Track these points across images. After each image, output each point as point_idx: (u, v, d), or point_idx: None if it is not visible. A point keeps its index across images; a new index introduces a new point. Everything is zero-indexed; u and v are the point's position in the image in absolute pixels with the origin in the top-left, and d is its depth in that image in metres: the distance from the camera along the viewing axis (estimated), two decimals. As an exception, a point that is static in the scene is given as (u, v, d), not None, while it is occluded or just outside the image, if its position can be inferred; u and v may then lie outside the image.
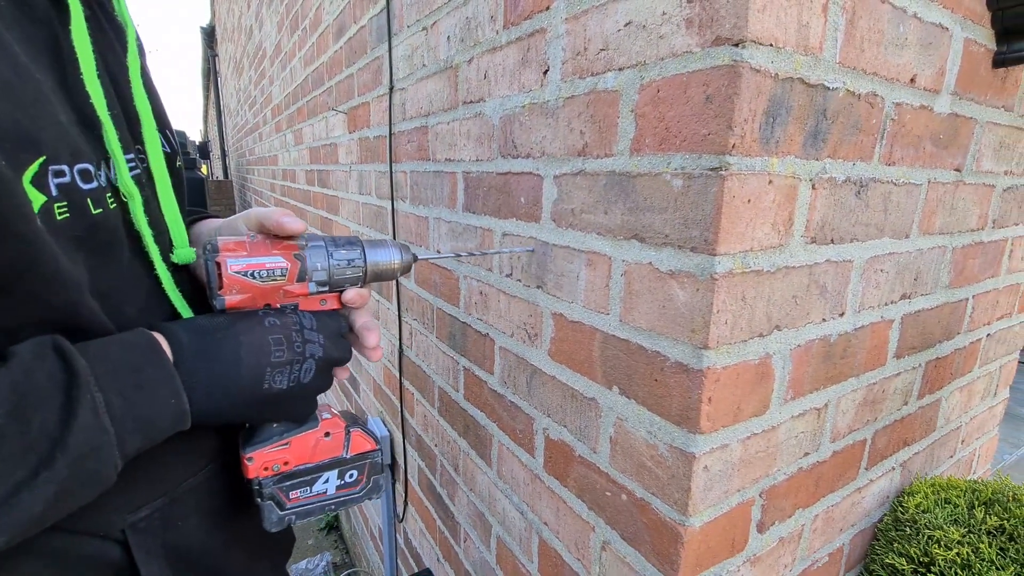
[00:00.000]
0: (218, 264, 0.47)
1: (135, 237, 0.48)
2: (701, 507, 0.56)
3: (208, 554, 0.55)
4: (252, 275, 0.48)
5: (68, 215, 0.40)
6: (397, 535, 1.61)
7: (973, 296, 0.88)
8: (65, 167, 0.40)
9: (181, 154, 0.56)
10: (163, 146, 0.51)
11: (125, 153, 0.45)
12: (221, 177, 10.31)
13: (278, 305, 0.52)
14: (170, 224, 0.50)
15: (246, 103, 4.64)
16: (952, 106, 0.68)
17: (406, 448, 1.41)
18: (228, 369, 0.46)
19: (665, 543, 0.58)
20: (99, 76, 0.43)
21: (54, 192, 0.39)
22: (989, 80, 0.73)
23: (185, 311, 0.51)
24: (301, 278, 0.51)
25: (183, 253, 0.51)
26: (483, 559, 1.01)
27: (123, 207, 0.46)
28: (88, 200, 0.41)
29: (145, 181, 0.49)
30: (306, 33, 2.03)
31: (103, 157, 0.44)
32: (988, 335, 0.97)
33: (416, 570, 1.43)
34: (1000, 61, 0.72)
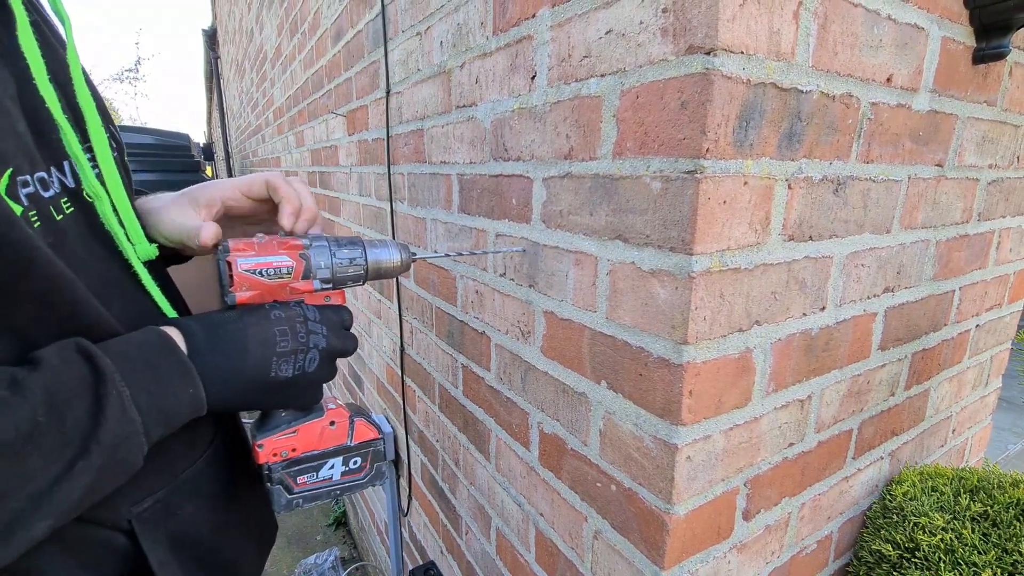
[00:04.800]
0: (229, 263, 0.50)
1: (105, 238, 0.48)
2: (685, 496, 0.58)
3: (203, 539, 0.58)
4: (260, 273, 0.52)
5: (40, 224, 0.41)
6: (402, 529, 1.65)
7: (960, 288, 0.89)
8: (28, 176, 0.41)
9: (125, 149, 0.56)
10: (111, 143, 0.51)
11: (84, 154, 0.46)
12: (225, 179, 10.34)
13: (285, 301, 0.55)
14: (126, 222, 0.51)
15: (248, 105, 4.67)
16: (931, 103, 0.69)
17: (409, 444, 1.44)
18: (237, 359, 0.49)
19: (652, 531, 0.60)
20: (51, 78, 0.44)
21: (25, 202, 0.40)
22: (970, 76, 0.74)
23: (166, 307, 0.53)
24: (306, 276, 0.55)
25: (143, 249, 0.52)
26: (484, 550, 1.04)
27: (82, 210, 0.47)
28: (51, 207, 0.43)
29: (102, 182, 0.49)
30: (305, 36, 2.05)
31: (54, 163, 0.45)
32: (977, 326, 0.98)
33: (421, 563, 1.46)
34: (980, 58, 0.73)
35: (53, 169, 0.44)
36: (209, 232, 0.52)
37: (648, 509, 0.60)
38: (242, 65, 4.72)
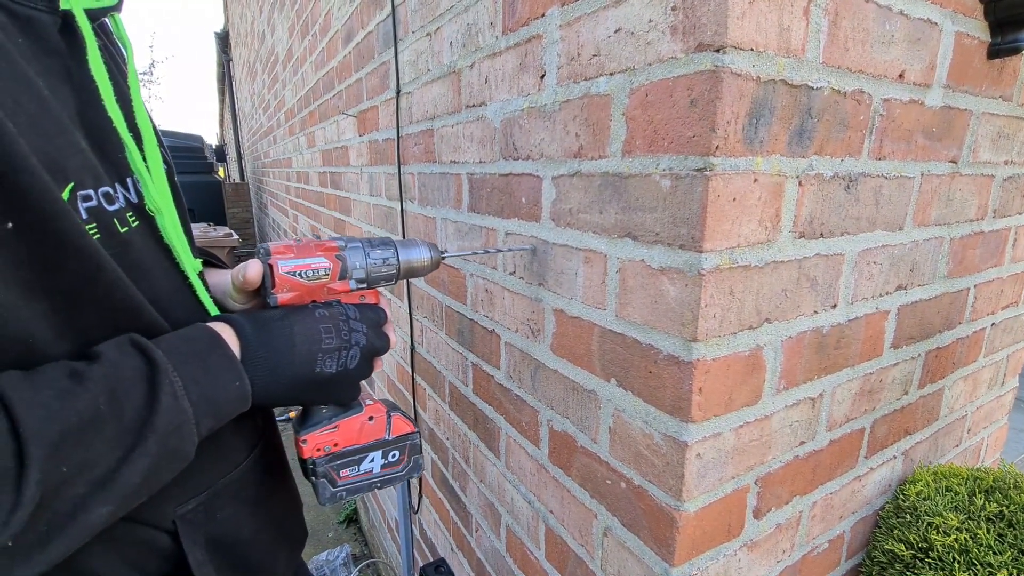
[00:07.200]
0: (271, 266, 0.53)
1: (165, 251, 0.51)
2: (695, 493, 0.58)
3: (239, 542, 0.60)
4: (300, 275, 0.54)
5: (100, 235, 0.43)
6: (413, 527, 1.66)
7: (975, 286, 0.88)
8: (91, 191, 0.43)
9: (175, 169, 0.59)
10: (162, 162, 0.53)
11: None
12: (238, 180, 10.49)
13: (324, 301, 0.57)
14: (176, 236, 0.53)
15: (260, 107, 4.72)
16: (945, 99, 0.69)
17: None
18: (285, 355, 0.52)
19: (662, 528, 0.60)
20: (117, 99, 0.47)
21: (84, 215, 0.42)
22: (984, 71, 0.73)
23: (216, 314, 0.55)
24: (342, 276, 0.57)
25: (191, 263, 0.54)
26: (494, 547, 1.05)
27: (147, 224, 0.49)
28: (114, 220, 0.45)
29: None
30: (316, 38, 2.07)
31: (118, 179, 0.47)
32: (993, 324, 0.97)
33: (431, 560, 1.47)
34: (995, 52, 0.72)
35: (118, 185, 0.47)
36: (255, 268, 0.53)
37: (658, 506, 0.60)
38: (254, 67, 4.77)
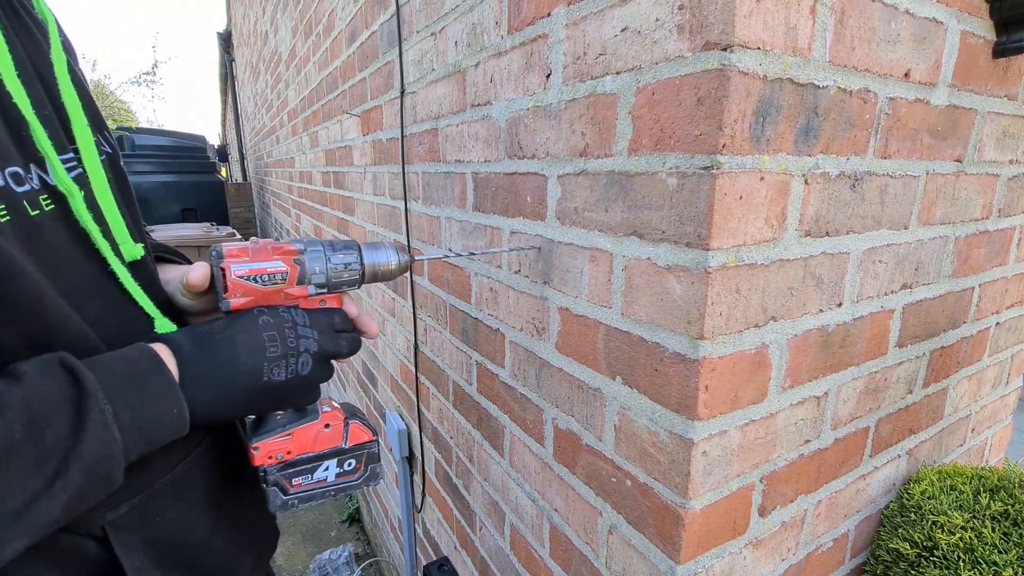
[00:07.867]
0: (223, 269, 0.51)
1: (83, 236, 0.48)
2: (701, 491, 0.58)
3: (190, 544, 0.57)
4: (255, 279, 0.52)
5: (9, 217, 0.41)
6: (416, 525, 1.66)
7: (979, 285, 0.88)
8: None
9: (120, 153, 0.56)
10: (102, 145, 0.51)
11: (61, 153, 0.46)
12: (240, 180, 10.51)
13: (280, 306, 0.55)
14: (110, 223, 0.50)
15: (263, 107, 4.73)
16: (950, 98, 0.69)
17: (423, 441, 1.46)
18: (229, 369, 0.49)
19: (667, 526, 0.60)
20: (20, 75, 0.43)
21: None
22: (990, 71, 0.73)
23: (147, 304, 0.53)
24: (301, 281, 0.55)
25: (128, 249, 0.52)
26: (498, 546, 1.05)
27: (61, 208, 0.46)
28: (24, 203, 0.42)
29: (85, 180, 0.48)
30: (320, 38, 2.08)
31: (32, 159, 0.44)
32: (997, 324, 0.97)
33: (434, 558, 1.47)
34: (1000, 51, 0.72)
35: (32, 166, 0.44)
36: (199, 272, 0.52)
37: (663, 504, 0.60)
38: (256, 67, 4.77)
